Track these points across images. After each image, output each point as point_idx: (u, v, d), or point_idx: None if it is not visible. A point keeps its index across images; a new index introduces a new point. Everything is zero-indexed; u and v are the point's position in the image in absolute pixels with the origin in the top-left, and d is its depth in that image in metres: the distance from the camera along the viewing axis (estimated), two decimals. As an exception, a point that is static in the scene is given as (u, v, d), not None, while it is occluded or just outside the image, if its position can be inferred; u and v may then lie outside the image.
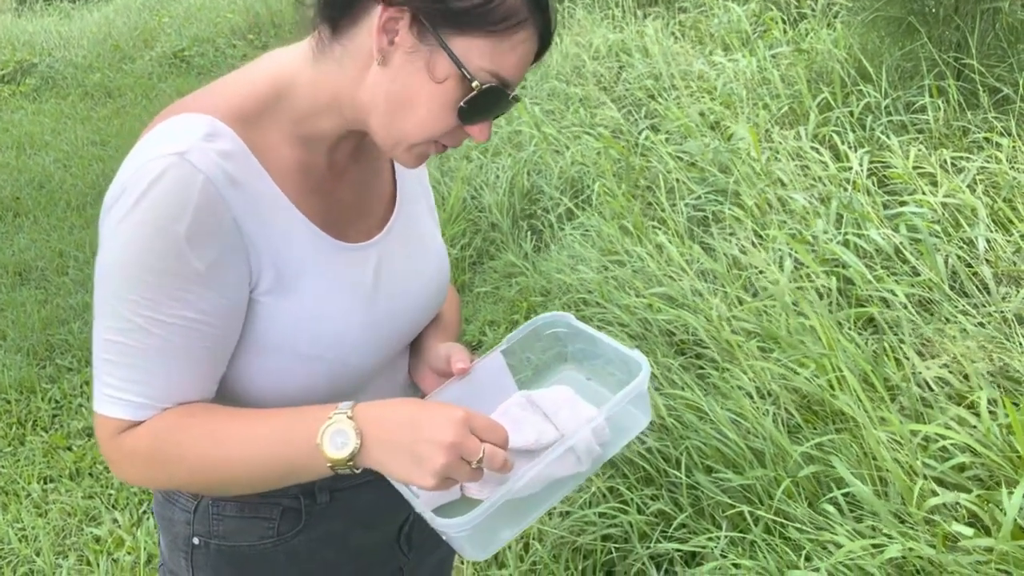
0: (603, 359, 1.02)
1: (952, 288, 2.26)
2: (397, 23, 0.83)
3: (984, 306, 2.17)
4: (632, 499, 2.09)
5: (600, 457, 0.93)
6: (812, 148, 2.96)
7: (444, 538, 0.86)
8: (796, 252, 2.48)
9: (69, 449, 2.94)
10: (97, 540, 2.48)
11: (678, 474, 2.02)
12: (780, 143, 3.08)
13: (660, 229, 3.01)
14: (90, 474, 2.81)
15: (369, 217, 1.00)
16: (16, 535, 2.51)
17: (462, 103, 0.85)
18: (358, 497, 1.04)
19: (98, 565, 2.35)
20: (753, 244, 2.70)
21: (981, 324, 2.11)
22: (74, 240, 4.73)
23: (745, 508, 1.84)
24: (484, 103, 0.86)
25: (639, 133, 3.69)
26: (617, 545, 2.06)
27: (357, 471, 0.82)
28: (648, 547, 1.97)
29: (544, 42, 0.88)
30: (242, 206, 0.84)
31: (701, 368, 2.35)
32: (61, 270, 4.40)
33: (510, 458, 0.83)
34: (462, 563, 2.21)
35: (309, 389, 0.92)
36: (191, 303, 0.82)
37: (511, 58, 0.85)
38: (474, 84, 0.84)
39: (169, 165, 0.80)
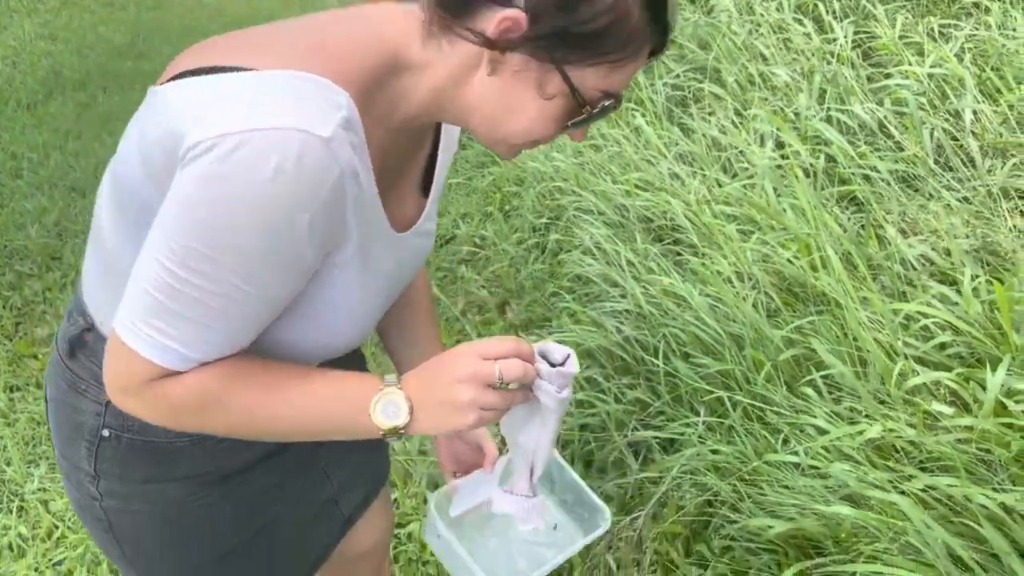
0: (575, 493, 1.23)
1: (937, 163, 2.18)
2: (511, 35, 0.77)
3: (969, 180, 2.10)
4: (609, 388, 2.06)
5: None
6: (795, 19, 2.81)
7: None
8: (778, 129, 2.38)
9: (35, 357, 2.87)
10: (68, 447, 2.43)
11: (656, 361, 1.98)
12: (762, 15, 2.92)
13: (637, 111, 2.89)
14: (58, 381, 2.75)
15: (407, 198, 0.96)
16: (-16, 445, 2.46)
17: (569, 123, 0.85)
18: None
19: (70, 472, 2.32)
20: (734, 124, 2.60)
21: (966, 199, 2.04)
22: (27, 141, 4.52)
23: (723, 393, 1.81)
24: (592, 118, 0.86)
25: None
26: (595, 435, 2.04)
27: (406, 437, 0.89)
28: (625, 435, 1.95)
29: (658, 49, 0.84)
30: (355, 199, 0.79)
31: (679, 255, 2.29)
32: (15, 173, 4.22)
33: (530, 369, 0.87)
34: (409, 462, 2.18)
35: (299, 349, 0.89)
36: (286, 284, 0.79)
37: (624, 76, 0.83)
38: (584, 109, 0.83)
39: (314, 148, 0.71)
